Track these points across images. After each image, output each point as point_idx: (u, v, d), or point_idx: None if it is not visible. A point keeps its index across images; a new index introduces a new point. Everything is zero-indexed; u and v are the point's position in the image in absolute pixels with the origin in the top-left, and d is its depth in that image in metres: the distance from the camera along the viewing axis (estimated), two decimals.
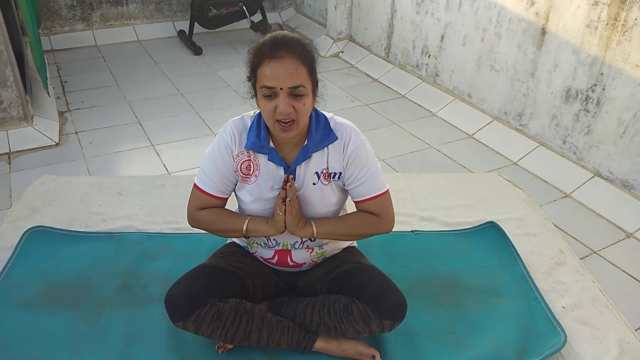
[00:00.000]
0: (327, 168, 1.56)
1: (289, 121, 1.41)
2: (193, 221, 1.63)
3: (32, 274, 1.90)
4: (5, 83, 3.05)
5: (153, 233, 2.16)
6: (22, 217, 2.21)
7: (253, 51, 1.44)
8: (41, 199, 2.34)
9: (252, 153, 1.55)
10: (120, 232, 2.15)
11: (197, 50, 4.83)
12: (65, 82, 4.11)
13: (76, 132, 3.37)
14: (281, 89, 1.38)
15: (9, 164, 2.98)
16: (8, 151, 3.07)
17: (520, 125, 3.34)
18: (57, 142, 3.21)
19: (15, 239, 2.06)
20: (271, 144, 1.54)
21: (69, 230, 2.14)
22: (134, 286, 1.87)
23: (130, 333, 1.67)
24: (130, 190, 2.45)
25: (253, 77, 1.45)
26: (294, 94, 1.40)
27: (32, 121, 3.23)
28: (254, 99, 1.50)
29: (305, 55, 1.42)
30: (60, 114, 3.58)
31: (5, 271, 1.90)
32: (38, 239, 2.07)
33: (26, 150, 3.10)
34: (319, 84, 1.51)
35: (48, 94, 3.60)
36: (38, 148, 3.14)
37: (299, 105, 1.41)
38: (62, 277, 1.89)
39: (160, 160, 3.09)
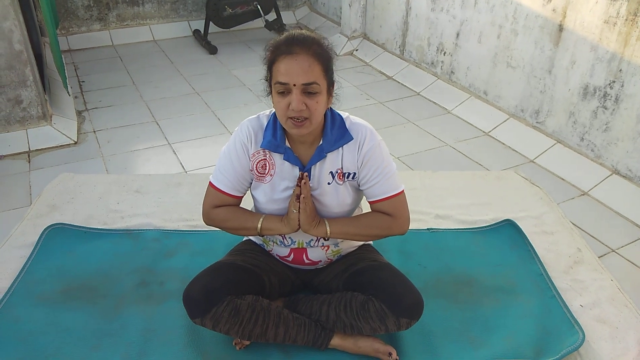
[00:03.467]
0: (342, 168, 1.56)
1: (302, 118, 1.42)
2: (208, 219, 1.64)
3: (52, 270, 1.93)
4: (25, 83, 3.10)
5: (170, 230, 2.18)
6: (41, 215, 2.25)
7: (269, 48, 1.46)
8: (60, 197, 2.38)
9: (267, 152, 1.55)
10: (138, 230, 2.17)
11: (212, 50, 4.86)
12: (83, 81, 4.17)
13: (94, 131, 3.41)
14: (294, 85, 1.39)
15: (29, 162, 3.03)
16: (28, 150, 3.12)
17: (537, 122, 3.31)
18: (76, 140, 3.26)
19: (36, 236, 2.09)
20: (287, 144, 1.54)
21: (88, 228, 2.17)
22: (151, 283, 1.89)
23: (148, 329, 1.69)
24: (148, 189, 2.48)
25: (269, 74, 1.47)
26: (307, 91, 1.40)
27: (51, 120, 3.28)
28: (270, 96, 1.51)
29: (320, 53, 1.42)
30: (79, 113, 3.63)
31: (26, 267, 1.93)
32: (57, 235, 2.10)
33: (45, 149, 3.15)
34: (336, 84, 1.51)
35: (68, 93, 3.65)
36: (57, 147, 3.18)
37: (311, 103, 1.41)
38: (81, 273, 1.92)
39: (177, 158, 3.11)
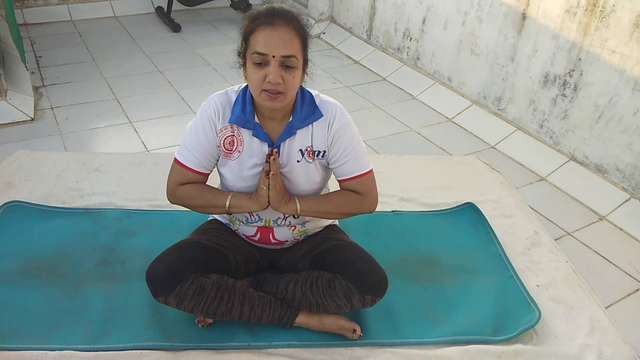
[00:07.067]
0: (312, 146, 1.56)
1: (276, 92, 1.40)
2: (173, 197, 1.60)
3: (8, 249, 1.87)
4: None
5: (132, 210, 2.14)
6: None
7: (248, 18, 1.43)
8: (16, 174, 2.30)
9: (236, 128, 1.53)
10: (99, 209, 2.12)
11: (175, 28, 4.74)
12: (40, 57, 4.01)
13: (52, 108, 3.29)
14: (273, 56, 1.37)
15: None
16: None
17: (498, 109, 3.38)
18: (32, 117, 3.14)
19: None
20: (256, 120, 1.52)
21: (45, 206, 2.10)
22: (113, 262, 1.86)
23: (109, 308, 1.66)
24: (109, 167, 2.42)
25: (244, 45, 1.44)
26: (286, 64, 1.39)
27: (6, 95, 3.14)
28: (242, 69, 1.49)
29: (300, 28, 1.42)
30: (35, 89, 3.49)
31: None
32: (14, 213, 2.03)
33: (0, 125, 3.02)
34: (309, 63, 1.51)
35: (26, 67, 3.50)
36: (12, 123, 3.06)
37: (288, 77, 1.40)
38: (40, 252, 1.87)
39: (139, 137, 3.04)
